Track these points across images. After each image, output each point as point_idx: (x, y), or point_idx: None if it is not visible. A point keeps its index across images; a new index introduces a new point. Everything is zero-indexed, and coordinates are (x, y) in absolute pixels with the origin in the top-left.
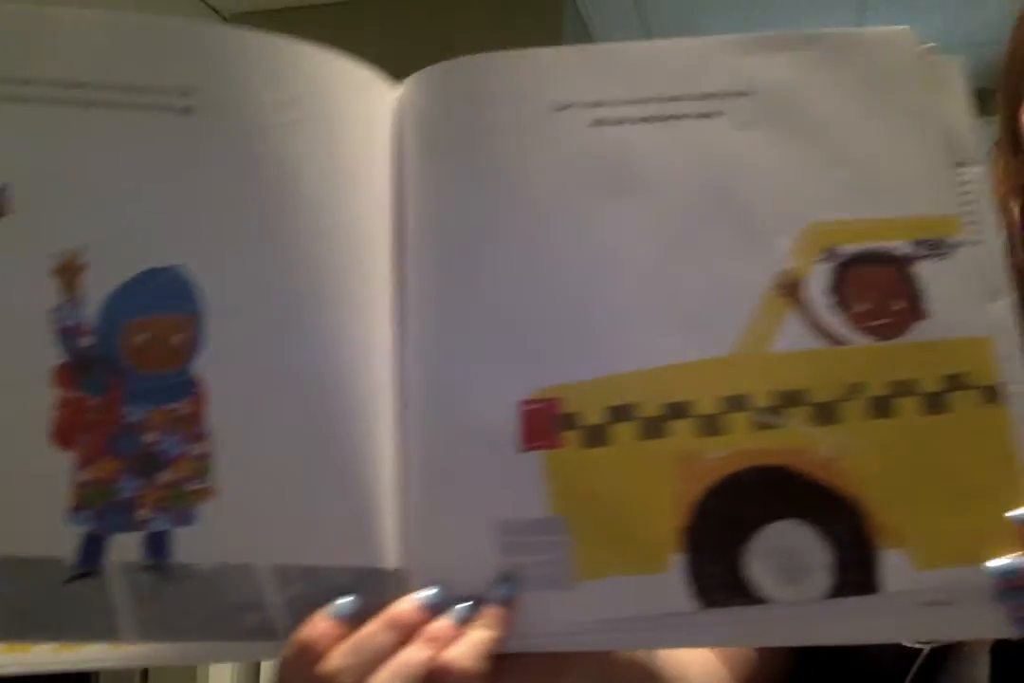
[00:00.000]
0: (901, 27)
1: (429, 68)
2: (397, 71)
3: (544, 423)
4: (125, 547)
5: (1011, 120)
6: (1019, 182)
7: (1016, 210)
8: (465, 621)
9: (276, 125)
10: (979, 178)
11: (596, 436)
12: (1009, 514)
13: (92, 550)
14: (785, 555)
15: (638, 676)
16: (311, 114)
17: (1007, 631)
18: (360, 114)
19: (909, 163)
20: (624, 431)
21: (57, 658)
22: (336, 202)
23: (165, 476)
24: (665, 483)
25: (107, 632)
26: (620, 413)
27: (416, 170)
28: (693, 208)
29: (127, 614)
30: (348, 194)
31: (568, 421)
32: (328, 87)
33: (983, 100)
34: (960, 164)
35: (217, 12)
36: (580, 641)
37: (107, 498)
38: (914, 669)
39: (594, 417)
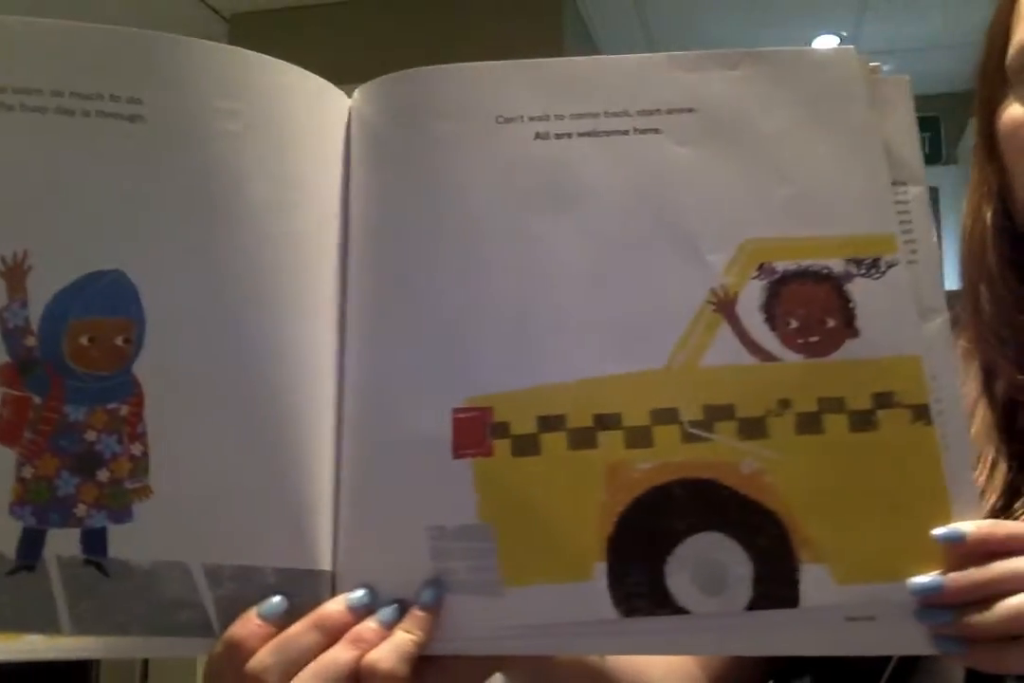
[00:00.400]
0: (846, 47)
1: (379, 79)
2: (396, 70)
3: (476, 431)
4: (64, 542)
5: (985, 125)
6: (993, 187)
7: (989, 215)
8: (391, 624)
9: (225, 133)
10: (918, 197)
11: (526, 445)
12: (935, 532)
13: (32, 544)
14: (707, 567)
15: (581, 676)
16: (260, 123)
17: (928, 648)
18: (311, 123)
19: (848, 182)
20: (554, 441)
21: None
22: (284, 210)
23: (103, 474)
24: (592, 493)
25: (46, 624)
26: (550, 423)
27: (362, 179)
28: (631, 222)
29: (65, 607)
30: (296, 202)
31: (499, 430)
32: (278, 97)
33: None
34: (900, 183)
35: (217, 12)
36: (505, 646)
37: (47, 494)
38: (891, 666)
39: (525, 426)
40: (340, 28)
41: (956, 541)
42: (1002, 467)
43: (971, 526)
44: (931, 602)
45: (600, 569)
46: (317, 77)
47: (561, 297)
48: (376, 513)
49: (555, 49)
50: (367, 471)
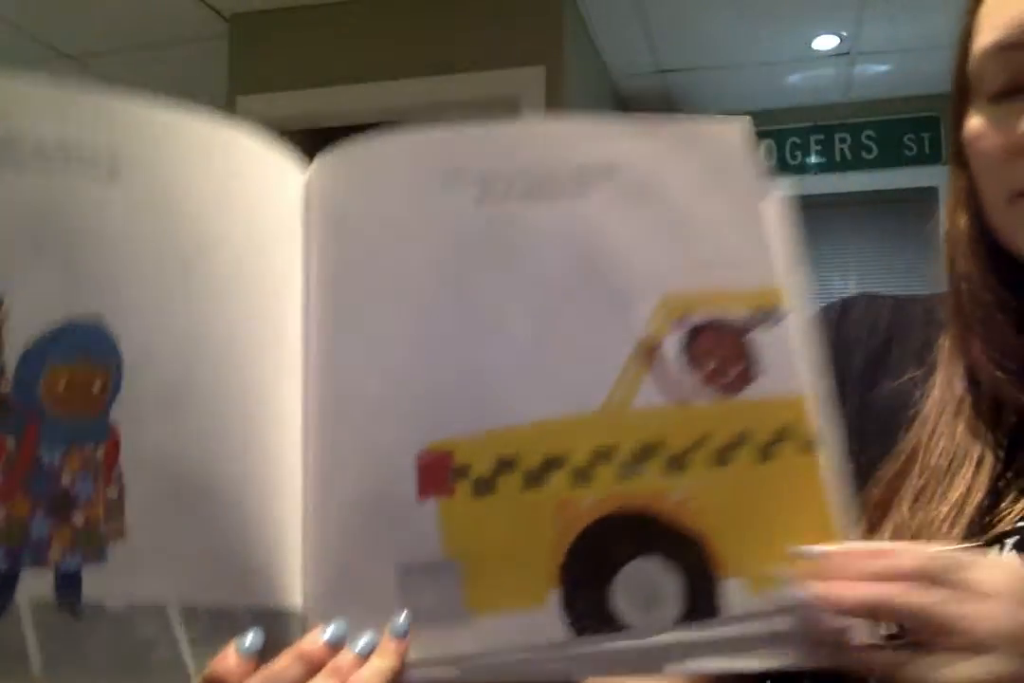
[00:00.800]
0: (741, 118)
1: (331, 151)
2: (397, 70)
3: (438, 474)
4: (36, 585)
5: (955, 132)
6: (965, 193)
7: (963, 222)
8: (367, 653)
9: (200, 198)
10: (797, 252)
11: (484, 486)
12: (794, 549)
13: (3, 587)
14: (644, 586)
15: None
16: (230, 187)
17: (829, 660)
18: (273, 190)
19: (747, 240)
20: (509, 481)
21: None
22: (249, 268)
23: (78, 517)
24: (544, 527)
25: (18, 669)
26: (505, 465)
27: (319, 242)
28: (567, 278)
29: (37, 651)
30: (261, 262)
31: (460, 472)
32: (244, 172)
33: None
34: (784, 240)
35: (217, 12)
36: (473, 671)
37: (20, 537)
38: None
39: (483, 469)
40: (340, 28)
41: (811, 557)
42: (988, 466)
43: (825, 548)
44: (803, 614)
45: (554, 595)
46: (279, 153)
47: (509, 347)
48: (345, 553)
49: (555, 49)
50: (336, 514)
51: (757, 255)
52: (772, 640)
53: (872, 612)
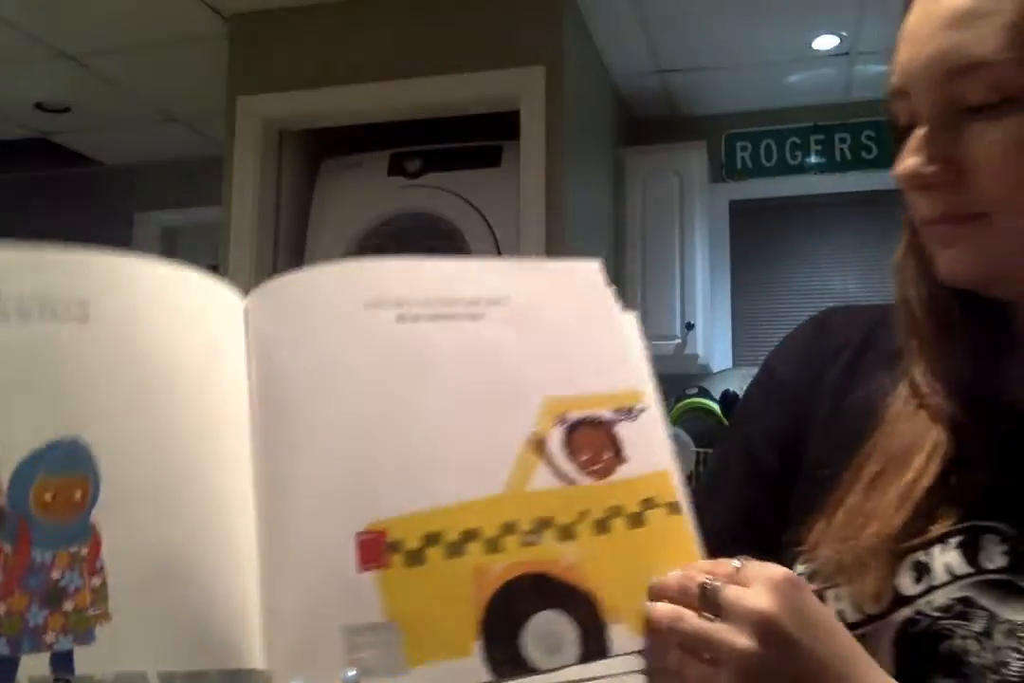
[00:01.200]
0: (596, 260)
1: (265, 285)
2: (396, 70)
3: (375, 549)
4: (35, 665)
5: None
6: (907, 220)
7: (904, 246)
8: None
9: (156, 330)
10: (646, 359)
11: (415, 558)
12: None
13: (6, 671)
14: (547, 635)
15: None
16: (183, 320)
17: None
18: (218, 317)
19: (610, 353)
20: (435, 553)
21: None
22: (203, 387)
23: (68, 605)
24: (465, 590)
25: None
26: (431, 539)
27: (259, 357)
28: (472, 385)
29: None
30: (213, 380)
31: (393, 547)
32: (199, 303)
33: None
34: (640, 350)
35: (217, 12)
36: None
37: (20, 626)
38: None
39: (412, 543)
40: (340, 28)
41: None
42: (939, 454)
43: (654, 579)
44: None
45: (477, 646)
46: (220, 283)
47: (428, 442)
48: (299, 618)
49: (555, 49)
50: (290, 586)
51: (619, 365)
52: (648, 671)
53: (664, 634)
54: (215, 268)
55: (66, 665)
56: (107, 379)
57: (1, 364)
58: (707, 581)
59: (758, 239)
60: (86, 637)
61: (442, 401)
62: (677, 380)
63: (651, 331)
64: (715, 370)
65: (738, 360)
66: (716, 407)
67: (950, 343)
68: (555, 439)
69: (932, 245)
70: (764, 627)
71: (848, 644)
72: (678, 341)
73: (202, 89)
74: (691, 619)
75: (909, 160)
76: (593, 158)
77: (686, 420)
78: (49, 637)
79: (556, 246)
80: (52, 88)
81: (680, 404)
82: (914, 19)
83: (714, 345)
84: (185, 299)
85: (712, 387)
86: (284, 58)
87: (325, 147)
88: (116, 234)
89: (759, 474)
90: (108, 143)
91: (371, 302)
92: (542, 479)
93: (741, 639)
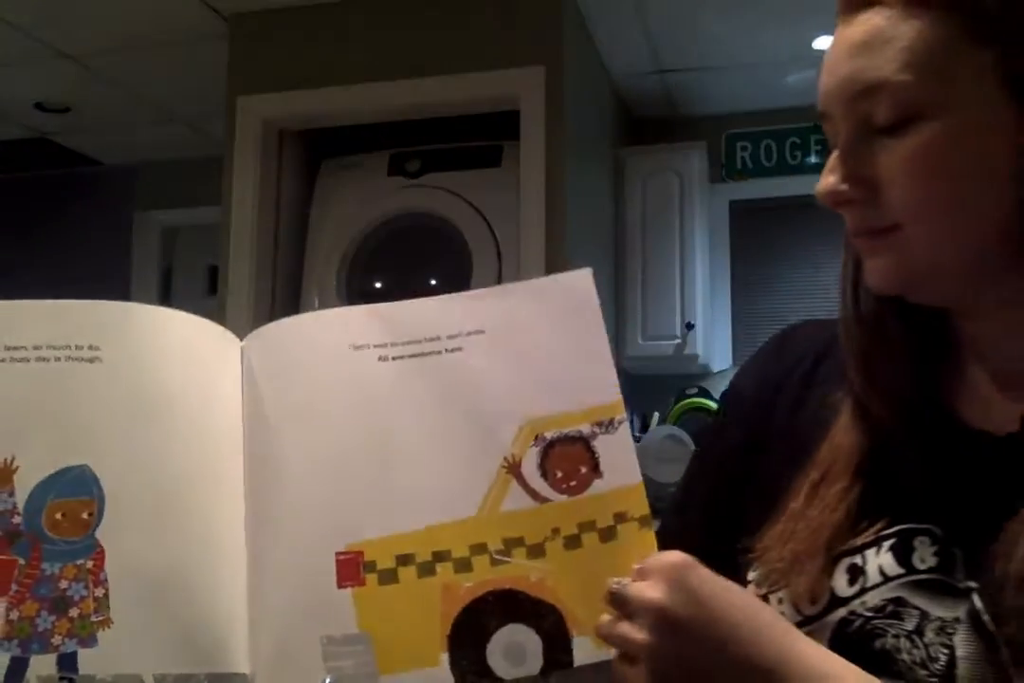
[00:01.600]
0: (585, 270)
1: (262, 328)
2: (396, 70)
3: (352, 569)
4: (43, 665)
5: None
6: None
7: (845, 257)
8: None
9: (159, 370)
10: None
11: (388, 576)
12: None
13: (17, 669)
14: (513, 647)
15: None
16: (183, 361)
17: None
18: (218, 359)
19: (589, 367)
20: (407, 572)
21: None
22: (201, 420)
23: (74, 612)
24: (435, 606)
25: None
26: (404, 560)
27: (253, 395)
28: (449, 414)
29: None
30: (210, 414)
31: (369, 566)
32: (197, 344)
33: None
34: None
35: (217, 12)
36: None
37: (29, 630)
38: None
39: (386, 563)
40: (340, 28)
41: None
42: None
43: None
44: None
45: (444, 657)
46: (217, 327)
47: (406, 468)
48: (281, 629)
49: (555, 49)
50: (274, 600)
51: (597, 378)
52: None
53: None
54: (215, 268)
55: (71, 665)
56: (114, 413)
57: (19, 401)
58: (614, 584)
59: (758, 239)
60: (89, 641)
61: (420, 429)
62: (677, 380)
63: (651, 331)
64: (715, 370)
65: (738, 360)
66: (716, 407)
67: (886, 354)
68: (531, 460)
69: (862, 257)
70: (657, 617)
71: (749, 599)
72: (678, 341)
73: (202, 89)
74: (606, 623)
75: (826, 179)
76: (593, 158)
77: (686, 420)
78: (56, 640)
79: (556, 246)
80: (52, 88)
81: (680, 404)
82: (830, 50)
83: (714, 345)
84: (185, 341)
85: (712, 387)
86: (284, 58)
87: (325, 147)
88: (116, 234)
89: (721, 490)
90: (108, 143)
91: (355, 344)
92: (514, 500)
93: (640, 634)
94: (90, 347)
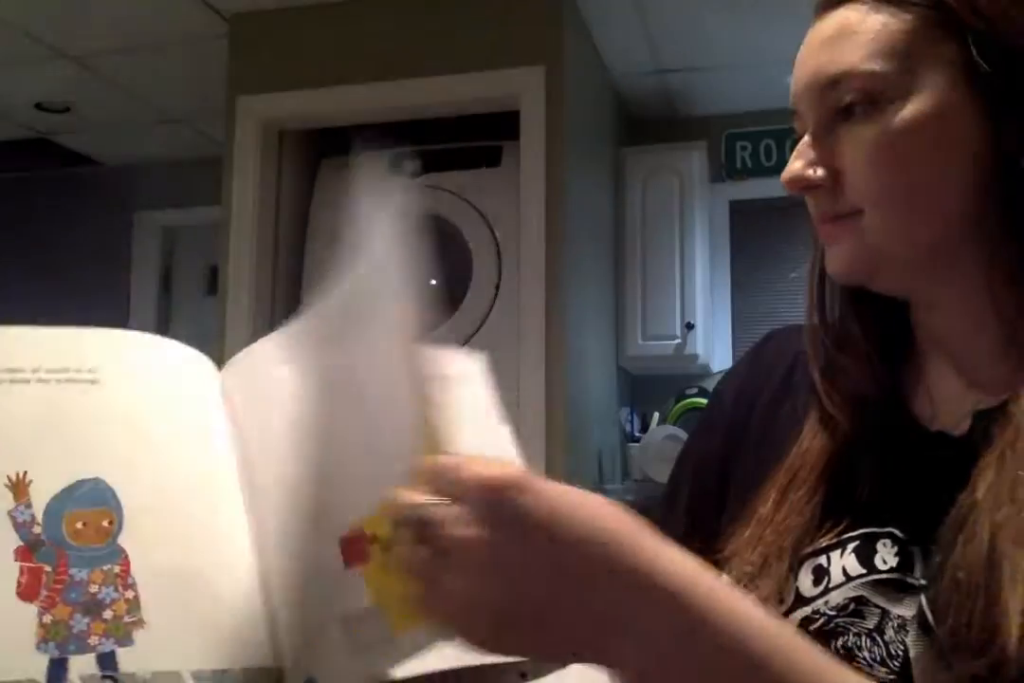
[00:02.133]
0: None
1: (234, 359)
2: (396, 70)
3: (358, 548)
4: (83, 665)
5: None
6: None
7: (813, 255)
8: None
9: (154, 389)
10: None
11: (387, 544)
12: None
13: (58, 670)
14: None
15: None
16: (174, 382)
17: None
18: (204, 386)
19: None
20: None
21: None
22: (197, 433)
23: (107, 614)
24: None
25: None
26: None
27: (235, 415)
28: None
29: None
30: (202, 430)
31: (371, 539)
32: (185, 370)
33: None
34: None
35: (217, 12)
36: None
37: (65, 632)
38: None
39: (384, 532)
40: (340, 28)
41: None
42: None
43: None
44: None
45: None
46: (205, 358)
47: (359, 454)
48: (302, 618)
49: (555, 49)
50: (294, 587)
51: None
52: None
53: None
54: (215, 268)
55: (110, 664)
56: (117, 429)
57: (25, 419)
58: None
59: (758, 239)
60: (125, 640)
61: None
62: (677, 380)
63: (651, 331)
64: (715, 370)
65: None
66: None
67: (849, 356)
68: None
69: (824, 246)
70: (479, 560)
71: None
72: (678, 341)
73: (202, 89)
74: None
75: (792, 165)
76: (593, 158)
77: (686, 420)
78: (93, 640)
79: (556, 246)
80: (52, 88)
81: (680, 404)
82: (800, 50)
83: (714, 345)
84: (178, 367)
85: (712, 387)
86: (284, 58)
87: (325, 147)
88: (116, 234)
89: (702, 495)
90: (108, 143)
91: (285, 361)
92: None
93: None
94: (90, 373)
